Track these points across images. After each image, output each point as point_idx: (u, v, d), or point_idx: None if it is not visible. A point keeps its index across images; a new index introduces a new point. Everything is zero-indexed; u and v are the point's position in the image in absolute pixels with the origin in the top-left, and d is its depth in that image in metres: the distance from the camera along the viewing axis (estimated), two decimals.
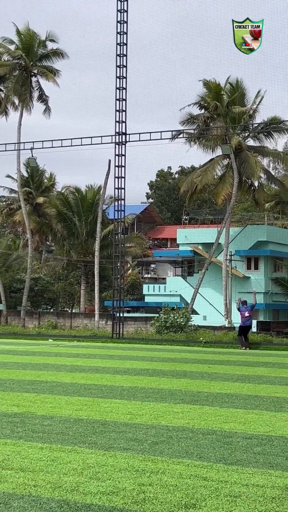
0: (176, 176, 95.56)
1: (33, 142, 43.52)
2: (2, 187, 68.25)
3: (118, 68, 39.14)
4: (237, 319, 33.87)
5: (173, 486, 7.20)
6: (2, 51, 49.91)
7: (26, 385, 15.79)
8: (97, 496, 6.81)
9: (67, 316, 50.27)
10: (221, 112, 47.08)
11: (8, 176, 65.65)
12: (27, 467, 7.99)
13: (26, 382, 16.37)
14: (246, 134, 51.33)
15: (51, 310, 59.76)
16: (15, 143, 46.94)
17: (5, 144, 45.60)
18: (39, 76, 49.67)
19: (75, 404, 12.88)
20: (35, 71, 49.49)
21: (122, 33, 39.07)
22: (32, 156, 44.14)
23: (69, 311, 57.43)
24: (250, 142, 51.46)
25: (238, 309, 32.75)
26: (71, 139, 41.38)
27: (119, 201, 40.36)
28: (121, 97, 39.21)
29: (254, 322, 42.34)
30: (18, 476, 7.57)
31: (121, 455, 8.65)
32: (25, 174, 63.01)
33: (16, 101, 50.06)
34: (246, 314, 31.69)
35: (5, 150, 45.69)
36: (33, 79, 49.69)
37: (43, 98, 50.11)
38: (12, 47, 49.44)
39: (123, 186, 39.81)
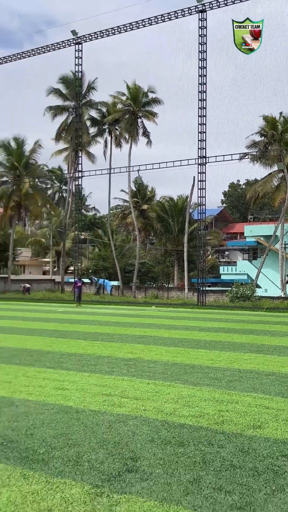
0: (243, 186, 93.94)
1: (139, 165, 43.92)
2: (118, 198, 69.23)
3: (199, 109, 38.81)
4: None
5: (244, 412, 7.15)
6: (117, 101, 50.44)
7: (137, 338, 15.99)
8: (188, 418, 6.85)
9: (165, 290, 50.50)
10: (277, 138, 45.89)
11: (122, 190, 66.43)
12: (138, 396, 8.10)
13: (136, 336, 16.58)
14: None
15: (153, 285, 60.12)
16: (127, 167, 47.43)
17: (120, 167, 46.31)
18: (143, 118, 49.86)
19: (172, 352, 12.96)
20: (140, 114, 49.70)
21: (202, 83, 38.66)
22: (139, 176, 44.57)
23: (166, 286, 57.56)
24: None
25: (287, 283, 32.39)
26: (166, 162, 41.40)
27: (201, 206, 40.11)
28: (202, 130, 38.89)
29: None
30: (132, 403, 7.69)
31: (206, 389, 8.65)
32: (134, 189, 63.47)
33: (127, 137, 50.50)
34: None
35: (120, 172, 46.51)
36: (139, 120, 49.92)
37: (146, 133, 50.28)
38: (124, 98, 49.86)
39: (204, 195, 39.55)
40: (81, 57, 43.70)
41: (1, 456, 5.50)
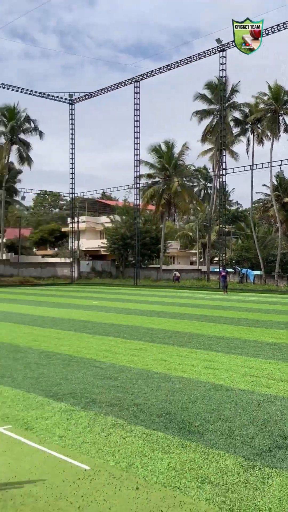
0: None
1: (281, 160, 42.19)
2: (260, 192, 67.54)
3: None
4: None
5: None
6: (259, 101, 49.10)
7: (281, 324, 15.46)
8: None
9: None
10: None
11: (264, 185, 64.55)
12: (285, 379, 7.88)
13: (280, 322, 16.05)
14: None
15: None
16: (269, 162, 46.00)
17: (262, 163, 45.11)
18: (284, 115, 47.94)
19: None
20: (281, 112, 47.83)
21: None
22: (281, 170, 43.02)
23: None
24: None
25: None
26: None
27: None
28: None
29: None
30: (279, 384, 7.51)
31: None
32: (275, 183, 61.38)
33: (268, 134, 48.93)
34: None
35: (262, 168, 45.24)
36: (280, 118, 48.07)
37: (287, 130, 48.28)
38: (265, 98, 48.34)
39: None
40: (225, 63, 43.18)
41: (161, 426, 5.69)
